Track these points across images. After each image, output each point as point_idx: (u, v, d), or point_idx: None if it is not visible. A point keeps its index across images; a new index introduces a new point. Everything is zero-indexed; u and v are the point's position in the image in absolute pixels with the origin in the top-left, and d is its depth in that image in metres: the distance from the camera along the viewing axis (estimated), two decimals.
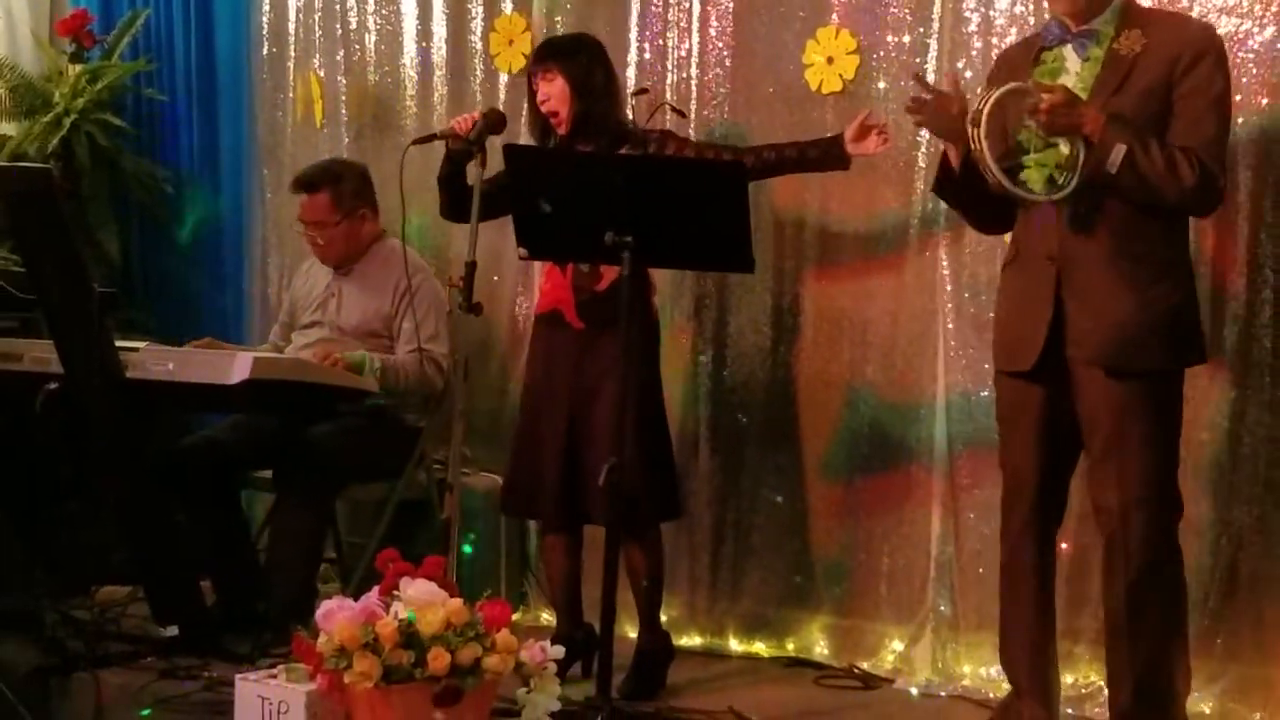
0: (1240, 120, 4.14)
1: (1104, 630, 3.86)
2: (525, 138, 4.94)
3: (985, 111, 3.63)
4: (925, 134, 4.72)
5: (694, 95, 5.18)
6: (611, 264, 4.14)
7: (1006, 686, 4.12)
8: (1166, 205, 3.65)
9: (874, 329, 4.90)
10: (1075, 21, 3.76)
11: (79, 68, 6.38)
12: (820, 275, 5.00)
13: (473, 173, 4.34)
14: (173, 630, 4.66)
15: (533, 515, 4.97)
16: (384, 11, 5.91)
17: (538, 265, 5.14)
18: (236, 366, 4.51)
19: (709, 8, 5.16)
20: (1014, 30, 4.59)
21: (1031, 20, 4.55)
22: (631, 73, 5.23)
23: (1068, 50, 3.78)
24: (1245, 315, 4.27)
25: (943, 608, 4.73)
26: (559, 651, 3.57)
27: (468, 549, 5.34)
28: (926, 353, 4.80)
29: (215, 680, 4.33)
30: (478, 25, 5.68)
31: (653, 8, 5.26)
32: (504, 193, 4.23)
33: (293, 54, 6.20)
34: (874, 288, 4.91)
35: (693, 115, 5.13)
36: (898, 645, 4.82)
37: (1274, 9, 4.23)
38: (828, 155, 4.42)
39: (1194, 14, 4.22)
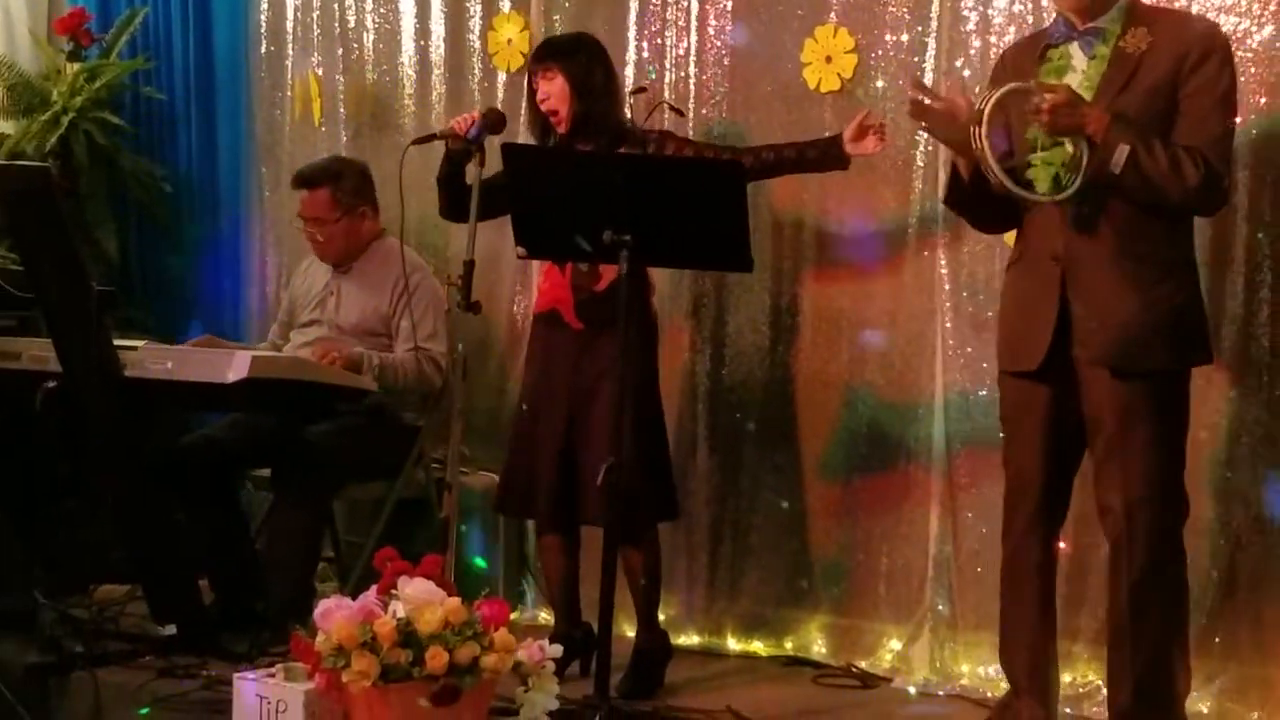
0: (1238, 120, 4.12)
1: (1106, 630, 3.86)
2: (524, 137, 4.94)
3: (986, 111, 3.63)
4: (923, 134, 4.72)
5: (692, 94, 5.17)
6: (609, 263, 4.14)
7: (1004, 686, 4.12)
8: (1171, 205, 3.64)
9: (872, 328, 4.90)
10: (1081, 19, 3.75)
11: (77, 66, 6.37)
12: (819, 275, 5.00)
13: (472, 172, 4.34)
14: (171, 629, 4.66)
15: (529, 515, 4.96)
16: (382, 10, 5.91)
17: (536, 264, 5.15)
18: (235, 365, 4.51)
19: (707, 6, 5.16)
20: (1012, 29, 4.59)
21: (1030, 19, 4.55)
22: (630, 71, 5.23)
23: (1074, 48, 3.77)
24: (1243, 315, 4.27)
25: (941, 607, 4.73)
26: (557, 650, 3.57)
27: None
28: (925, 352, 4.80)
29: (213, 679, 4.33)
30: (476, 24, 5.68)
31: (651, 6, 5.26)
32: (503, 192, 4.22)
33: (291, 53, 6.20)
34: (872, 288, 4.91)
35: (691, 114, 5.13)
36: (896, 644, 4.82)
37: (1272, 8, 4.23)
38: (826, 155, 4.42)
39: (1177, 11, 4.21)
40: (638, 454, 4.37)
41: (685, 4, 5.20)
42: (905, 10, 4.81)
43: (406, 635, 3.31)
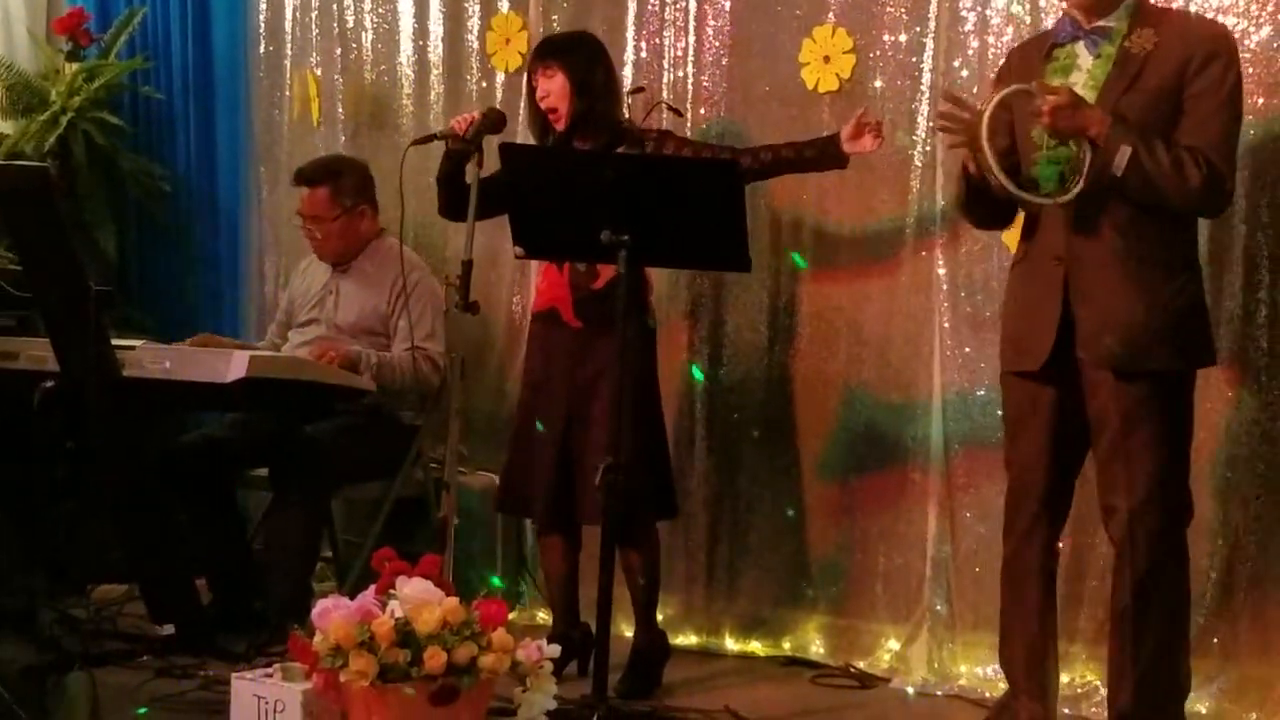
0: None
1: (1108, 630, 3.86)
2: (523, 137, 4.95)
3: (987, 114, 3.63)
4: (921, 135, 4.73)
5: (690, 94, 5.18)
6: (608, 263, 4.14)
7: (1003, 686, 4.12)
8: (1173, 206, 3.64)
9: (870, 329, 4.90)
10: (1087, 17, 3.75)
11: (76, 66, 6.37)
12: (817, 275, 5.00)
13: (471, 172, 4.34)
14: (169, 629, 4.66)
15: (528, 514, 4.96)
16: (381, 10, 5.91)
17: (534, 264, 5.15)
18: (233, 365, 4.51)
19: (706, 6, 5.17)
20: (1010, 29, 4.59)
21: (1028, 20, 4.55)
22: (628, 71, 5.23)
23: (1080, 47, 3.76)
24: (1241, 315, 4.27)
25: (939, 607, 4.73)
26: (555, 650, 3.56)
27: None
28: (923, 352, 4.80)
29: (211, 679, 4.33)
30: (474, 24, 5.68)
31: (649, 7, 5.26)
32: (501, 190, 4.23)
33: (289, 52, 6.20)
34: (870, 287, 4.91)
35: (689, 114, 5.13)
36: (894, 644, 4.82)
37: (1270, 9, 4.23)
38: (825, 154, 4.42)
39: (1183, 12, 4.21)
40: (637, 451, 4.38)
41: (683, 4, 5.20)
42: (903, 11, 4.81)
43: (404, 635, 3.31)
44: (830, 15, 4.93)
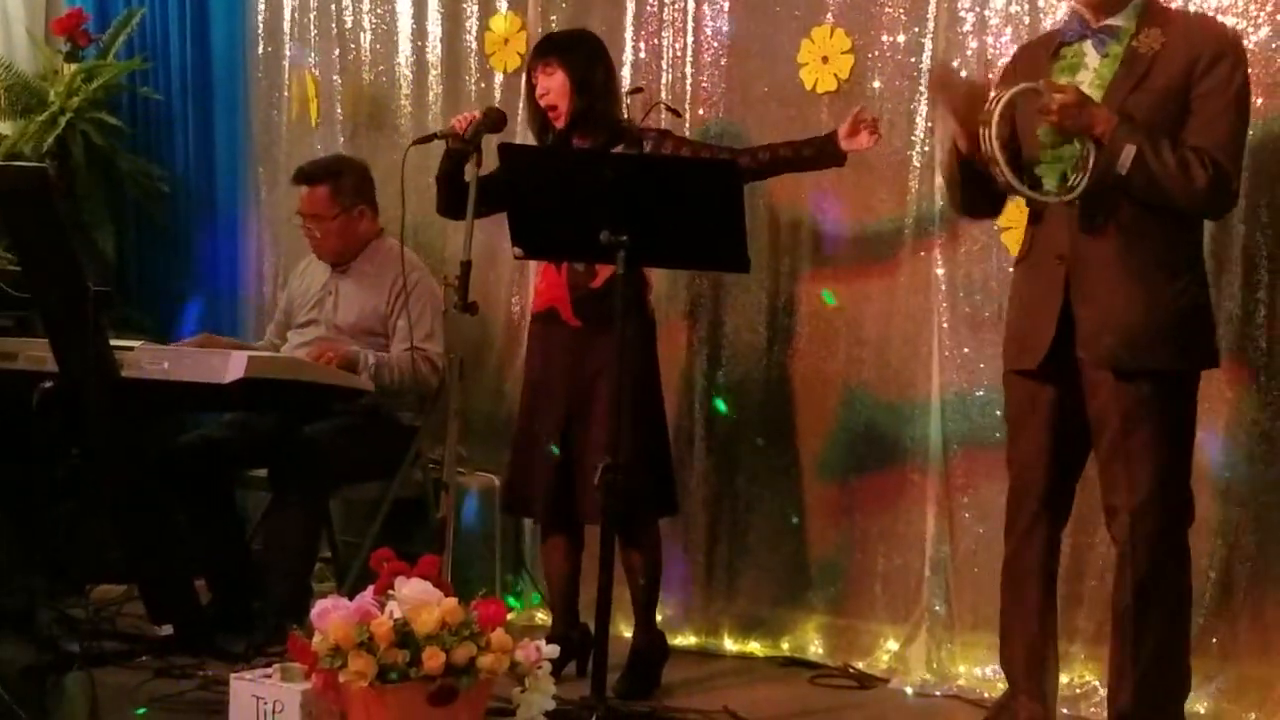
0: None
1: (1110, 630, 3.86)
2: (523, 136, 4.95)
3: (996, 112, 3.63)
4: (920, 135, 4.73)
5: (689, 94, 5.18)
6: (607, 263, 4.14)
7: (1002, 686, 4.12)
8: (1178, 206, 3.63)
9: (869, 329, 4.90)
10: (1095, 16, 3.74)
11: (74, 66, 6.37)
12: (815, 275, 5.00)
13: (469, 171, 4.34)
14: (168, 629, 4.67)
15: (530, 514, 4.96)
16: (379, 11, 5.91)
17: (533, 264, 5.15)
18: (231, 365, 4.51)
19: (704, 7, 5.17)
20: (1009, 30, 4.59)
21: (1026, 20, 4.56)
22: (627, 72, 5.23)
23: (1087, 46, 3.76)
24: (1240, 315, 4.27)
25: (937, 607, 4.73)
26: (554, 651, 3.57)
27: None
28: (921, 353, 4.80)
29: (210, 679, 4.33)
30: (473, 25, 5.68)
31: (648, 7, 5.26)
32: (500, 189, 4.23)
33: (288, 53, 6.20)
34: (869, 288, 4.91)
35: (688, 115, 5.13)
36: (893, 645, 4.82)
37: (1269, 9, 4.23)
38: (823, 153, 4.42)
39: (1191, 13, 4.21)
40: (638, 448, 4.39)
41: (682, 4, 5.20)
42: (902, 11, 4.81)
43: (403, 635, 3.31)
44: (829, 16, 4.93)
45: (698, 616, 5.16)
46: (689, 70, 5.19)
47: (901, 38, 4.82)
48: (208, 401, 5.01)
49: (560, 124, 4.55)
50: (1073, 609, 4.41)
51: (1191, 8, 4.27)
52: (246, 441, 5.12)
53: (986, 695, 4.49)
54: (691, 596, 5.17)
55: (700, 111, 5.17)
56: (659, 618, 4.81)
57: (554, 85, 4.54)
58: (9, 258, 5.48)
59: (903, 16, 4.81)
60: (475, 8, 5.67)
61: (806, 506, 5.03)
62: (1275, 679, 4.24)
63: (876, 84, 4.86)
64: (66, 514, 5.02)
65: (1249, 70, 4.04)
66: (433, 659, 3.27)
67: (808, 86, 4.95)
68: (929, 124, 4.72)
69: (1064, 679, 4.25)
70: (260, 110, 6.33)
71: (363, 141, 5.93)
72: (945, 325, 4.72)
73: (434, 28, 5.77)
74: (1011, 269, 4.49)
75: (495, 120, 4.48)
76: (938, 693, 4.66)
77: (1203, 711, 4.23)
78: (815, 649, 4.98)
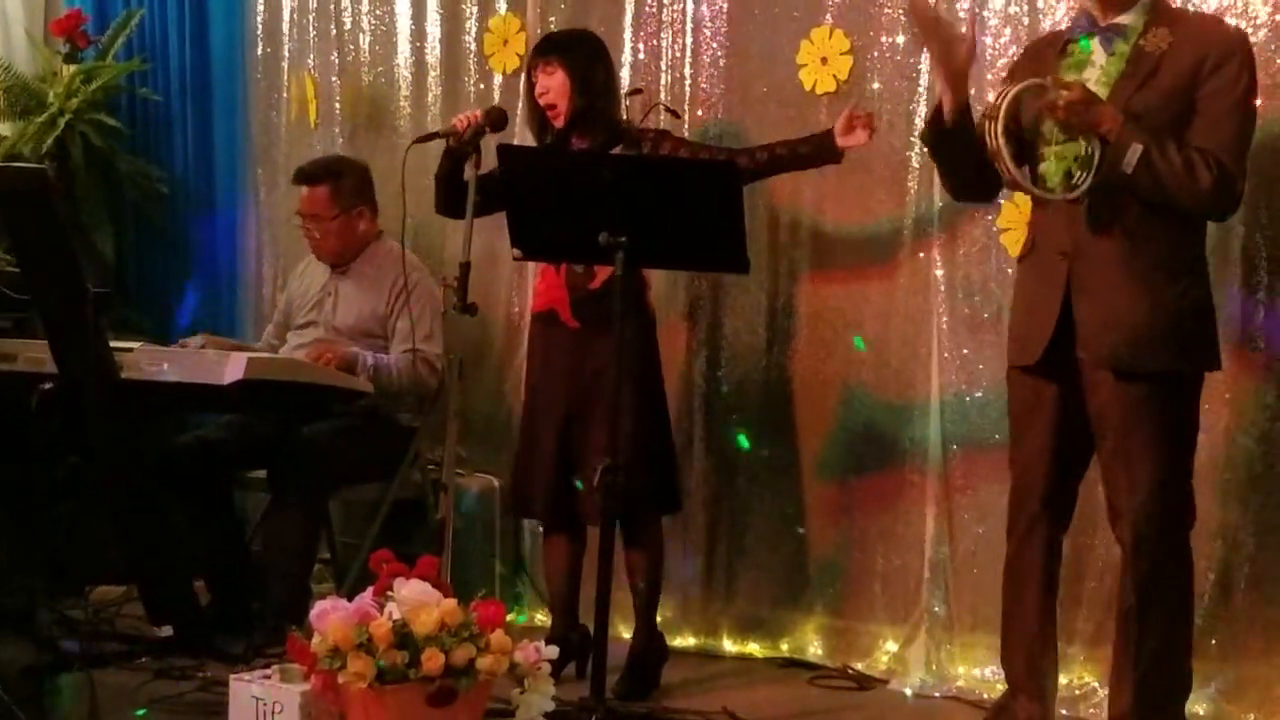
0: None
1: (1114, 630, 3.87)
2: (522, 134, 4.95)
3: (1003, 107, 3.62)
4: (919, 136, 4.71)
5: (688, 96, 5.18)
6: (606, 265, 4.14)
7: (1001, 687, 4.12)
8: (1182, 207, 3.62)
9: (868, 330, 4.90)
10: (1104, 14, 3.74)
11: (73, 68, 6.37)
12: (815, 276, 5.00)
13: (468, 171, 4.34)
14: (167, 630, 4.67)
15: (533, 515, 4.95)
16: (378, 12, 5.91)
17: (532, 265, 5.15)
18: (230, 367, 4.51)
19: (703, 8, 5.17)
20: (1008, 30, 4.59)
21: (1025, 21, 4.56)
22: (626, 73, 5.23)
23: (1095, 44, 3.75)
24: (1240, 315, 4.27)
25: (937, 608, 4.73)
26: (553, 652, 3.57)
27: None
28: (920, 353, 4.80)
29: (210, 680, 4.33)
30: (472, 26, 5.68)
31: (647, 8, 5.26)
32: (499, 188, 4.23)
33: (287, 54, 6.20)
34: (868, 289, 4.91)
35: (686, 116, 5.13)
36: (892, 646, 4.82)
37: (1268, 9, 4.23)
38: (819, 150, 4.43)
39: (1199, 13, 4.19)
40: (640, 446, 4.40)
41: (681, 6, 5.20)
42: (901, 12, 4.80)
43: (402, 636, 3.31)
44: (828, 17, 4.93)
45: (697, 617, 5.16)
46: (688, 71, 5.19)
47: (900, 39, 4.82)
48: (207, 402, 5.01)
49: (559, 123, 4.56)
50: (1072, 610, 4.40)
51: (1191, 8, 4.27)
52: (245, 442, 5.11)
53: (986, 696, 4.49)
54: (690, 597, 5.17)
55: (699, 112, 5.17)
56: (658, 619, 4.81)
57: (554, 84, 4.54)
58: (8, 259, 5.48)
59: (902, 17, 4.80)
60: (474, 9, 5.67)
61: (806, 507, 5.03)
62: (1275, 679, 4.24)
63: (875, 85, 4.86)
64: (66, 515, 5.02)
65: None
66: (432, 660, 3.28)
67: (807, 87, 4.95)
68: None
69: (1063, 680, 4.25)
70: (259, 111, 6.33)
71: (362, 142, 5.93)
72: (944, 326, 4.72)
73: (433, 29, 5.77)
74: (1011, 270, 4.51)
75: (496, 119, 4.48)
76: (937, 694, 4.66)
77: (1202, 712, 4.23)
78: (814, 650, 4.98)
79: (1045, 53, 3.88)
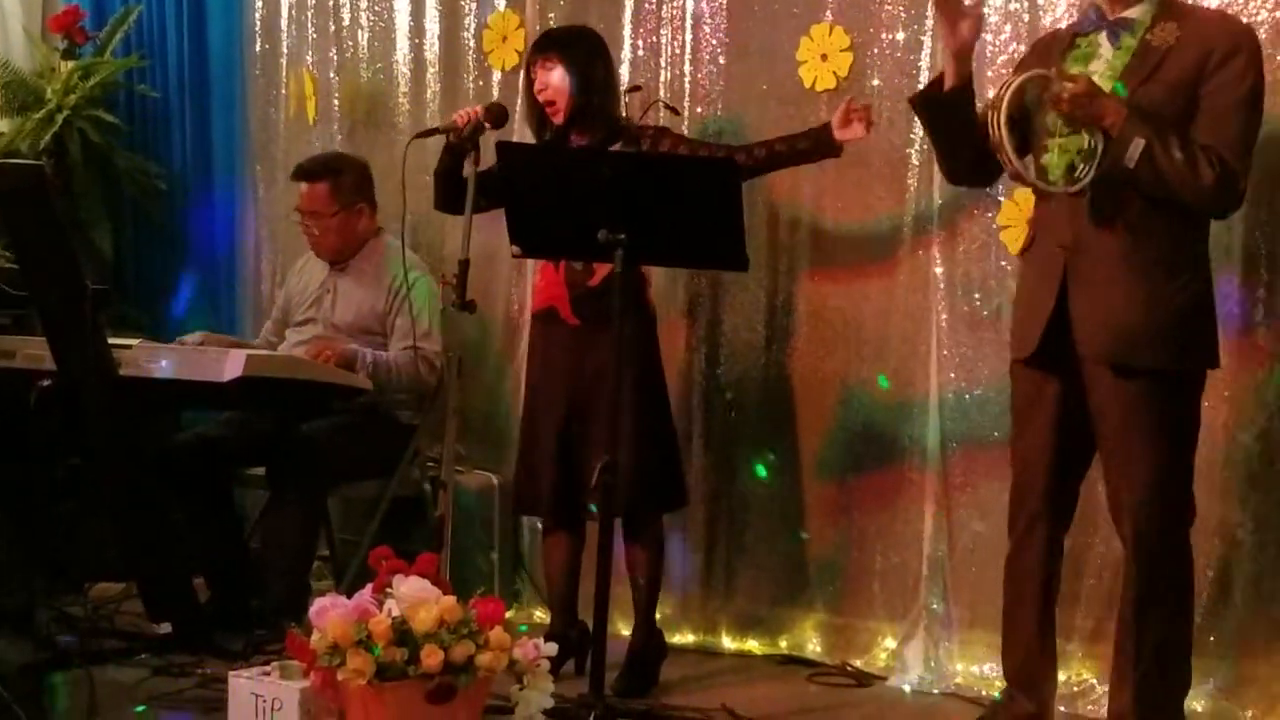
0: None
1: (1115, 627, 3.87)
2: (521, 131, 4.95)
3: (1006, 98, 3.62)
4: (919, 132, 4.71)
5: (687, 92, 5.17)
6: (605, 262, 4.14)
7: (999, 684, 4.12)
8: (1183, 203, 3.61)
9: (868, 327, 4.90)
10: (1112, 7, 3.73)
11: (71, 64, 6.37)
12: (814, 273, 5.00)
13: (468, 168, 4.34)
14: (166, 627, 4.67)
15: (536, 513, 4.95)
16: (377, 8, 5.90)
17: (531, 263, 5.15)
18: (229, 364, 4.51)
19: (703, 5, 5.16)
20: (1009, 27, 4.59)
21: (1026, 17, 4.55)
22: (625, 70, 5.22)
23: (1102, 37, 3.74)
24: (1239, 314, 4.27)
25: (935, 606, 4.73)
26: (552, 649, 3.57)
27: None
28: (920, 351, 4.79)
29: (209, 677, 4.34)
30: (471, 22, 5.68)
31: (646, 5, 5.26)
32: (498, 184, 4.23)
33: (285, 50, 6.20)
34: (868, 286, 4.91)
35: (686, 113, 5.13)
36: (891, 643, 4.82)
37: (1267, 7, 4.22)
38: (818, 144, 4.43)
39: (1208, 9, 4.19)
40: (643, 443, 4.41)
41: (680, 2, 5.19)
42: (901, 9, 4.80)
43: (402, 633, 3.31)
44: (828, 13, 4.92)
45: (696, 615, 5.16)
46: (687, 68, 5.18)
47: (901, 35, 4.81)
48: (206, 400, 5.01)
49: (558, 120, 4.56)
50: (1070, 607, 4.40)
51: (1198, 4, 4.26)
52: (244, 440, 5.11)
53: (984, 693, 4.50)
54: (690, 594, 5.17)
55: (699, 109, 5.17)
56: (657, 616, 4.81)
57: (553, 81, 4.54)
58: (6, 256, 5.48)
59: (902, 14, 4.80)
60: (473, 5, 5.67)
61: (805, 505, 5.03)
62: (1274, 676, 4.24)
63: (876, 82, 4.85)
64: (65, 512, 5.03)
65: None
66: (431, 657, 3.27)
67: (807, 84, 4.94)
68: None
69: (1062, 677, 4.25)
70: (258, 108, 6.33)
71: (360, 139, 5.93)
72: (944, 324, 4.71)
73: (432, 25, 5.77)
74: (1010, 267, 4.52)
75: (497, 115, 4.48)
76: (935, 691, 4.66)
77: (1201, 709, 4.23)
78: (813, 647, 4.98)
79: (1054, 47, 3.87)
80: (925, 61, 4.74)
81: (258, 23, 6.27)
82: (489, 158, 4.29)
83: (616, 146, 4.51)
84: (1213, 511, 4.27)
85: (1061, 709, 4.28)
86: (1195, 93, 3.61)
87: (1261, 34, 4.19)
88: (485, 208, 4.40)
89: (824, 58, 4.91)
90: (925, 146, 4.72)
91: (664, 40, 5.23)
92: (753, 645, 5.08)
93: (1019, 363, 3.89)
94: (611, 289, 4.05)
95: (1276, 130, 4.13)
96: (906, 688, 4.69)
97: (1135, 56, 3.67)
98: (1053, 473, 3.84)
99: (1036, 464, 3.86)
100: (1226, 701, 4.25)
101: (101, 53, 6.47)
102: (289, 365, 4.85)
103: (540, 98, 4.57)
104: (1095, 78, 3.65)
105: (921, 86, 4.63)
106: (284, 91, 6.20)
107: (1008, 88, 3.63)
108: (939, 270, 4.73)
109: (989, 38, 4.62)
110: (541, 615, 5.23)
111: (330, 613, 3.37)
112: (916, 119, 4.72)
